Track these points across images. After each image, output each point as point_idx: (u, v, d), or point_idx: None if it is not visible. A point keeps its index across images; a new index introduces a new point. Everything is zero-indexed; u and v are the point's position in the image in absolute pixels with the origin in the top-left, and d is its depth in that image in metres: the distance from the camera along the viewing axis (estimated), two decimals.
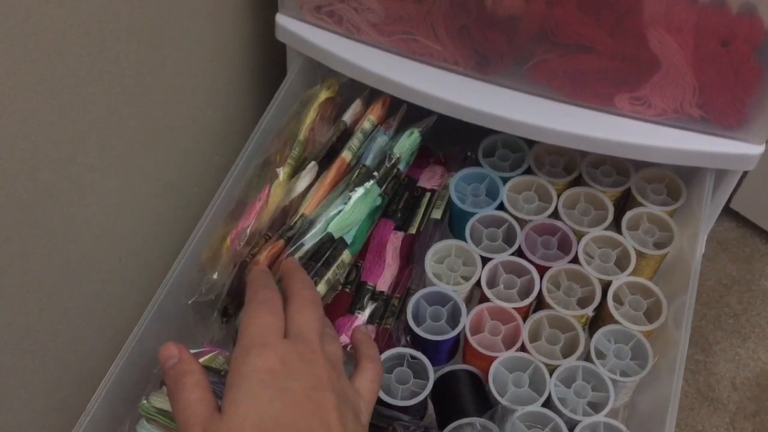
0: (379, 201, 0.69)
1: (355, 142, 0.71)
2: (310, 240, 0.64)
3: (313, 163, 0.69)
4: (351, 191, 0.67)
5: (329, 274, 0.64)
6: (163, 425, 0.57)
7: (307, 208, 0.67)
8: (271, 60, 0.84)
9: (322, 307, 0.54)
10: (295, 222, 0.65)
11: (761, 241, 1.26)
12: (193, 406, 0.46)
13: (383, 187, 0.69)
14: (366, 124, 0.72)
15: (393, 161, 0.70)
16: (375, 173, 0.68)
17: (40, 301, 0.61)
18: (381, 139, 0.71)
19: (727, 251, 1.25)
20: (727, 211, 1.28)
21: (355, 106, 0.74)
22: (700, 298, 1.19)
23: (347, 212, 0.66)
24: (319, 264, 0.64)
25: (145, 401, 0.58)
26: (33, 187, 0.55)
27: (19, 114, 0.51)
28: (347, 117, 0.74)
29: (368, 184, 0.68)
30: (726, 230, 1.28)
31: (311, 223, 0.65)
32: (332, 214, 0.66)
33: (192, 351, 0.63)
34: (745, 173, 1.09)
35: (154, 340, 0.62)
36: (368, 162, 0.70)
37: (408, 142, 0.72)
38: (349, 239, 0.66)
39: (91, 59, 0.56)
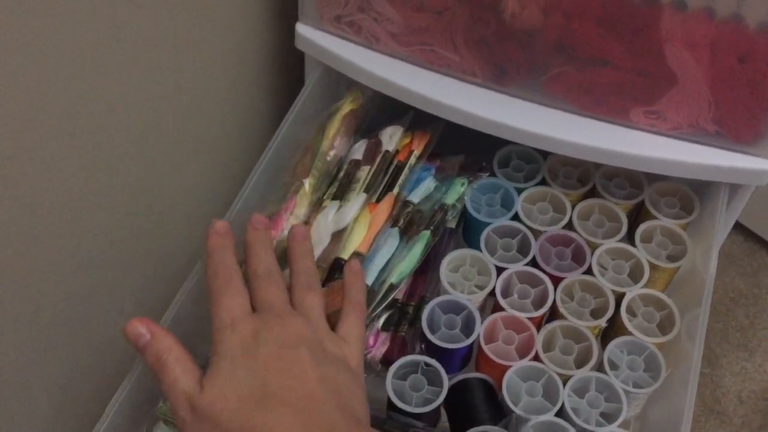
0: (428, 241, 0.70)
1: (403, 178, 0.72)
2: (369, 278, 0.66)
3: (363, 194, 0.70)
4: (408, 239, 0.69)
5: (386, 316, 0.68)
6: None
7: (361, 245, 0.68)
8: (290, 69, 0.85)
9: (282, 278, 0.56)
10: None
11: None
12: (180, 381, 0.48)
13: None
14: (412, 160, 0.73)
15: (445, 211, 0.72)
16: (431, 225, 0.70)
17: (58, 302, 0.61)
18: (429, 182, 0.73)
19: (734, 265, 1.26)
20: (735, 225, 1.29)
21: (395, 131, 0.75)
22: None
23: (408, 263, 0.68)
24: (380, 308, 0.66)
25: (162, 404, 0.58)
26: (58, 196, 0.55)
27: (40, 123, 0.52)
28: (387, 142, 0.75)
29: (426, 234, 0.69)
30: (734, 243, 1.28)
31: (369, 261, 0.67)
32: (386, 254, 0.68)
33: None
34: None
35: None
36: (416, 201, 0.71)
37: (457, 192, 0.73)
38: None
39: (110, 64, 0.57)
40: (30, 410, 0.63)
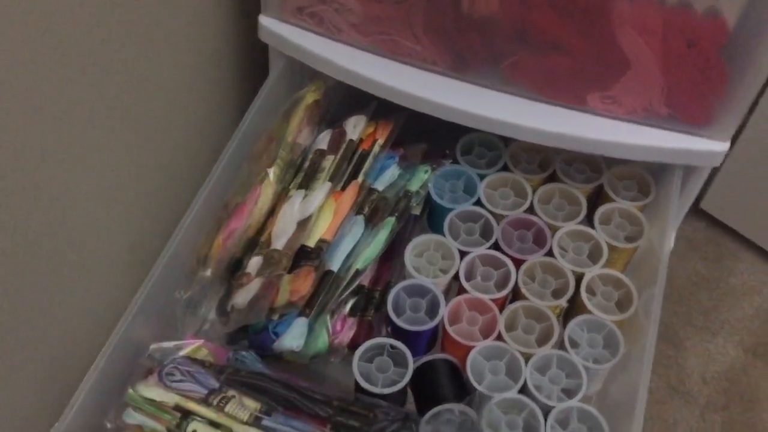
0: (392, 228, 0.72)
1: (367, 166, 0.73)
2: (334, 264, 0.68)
3: (328, 183, 0.71)
4: (373, 226, 0.70)
5: (352, 302, 0.69)
6: (150, 413, 0.58)
7: (326, 233, 0.69)
8: (254, 60, 0.86)
9: None
10: (318, 245, 0.68)
11: (730, 240, 1.29)
12: None
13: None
14: (376, 148, 0.75)
15: (410, 198, 0.73)
16: (395, 212, 0.72)
17: (23, 290, 0.61)
18: (393, 170, 0.75)
19: (697, 250, 1.29)
20: (698, 212, 1.32)
21: (358, 120, 0.76)
22: (671, 295, 1.22)
23: (373, 249, 0.69)
24: (346, 293, 0.68)
25: (131, 390, 0.59)
26: (27, 182, 0.56)
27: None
28: (351, 132, 0.76)
29: (391, 221, 0.71)
30: (696, 230, 1.31)
31: (335, 248, 0.68)
32: (351, 241, 0.69)
33: (175, 343, 0.65)
34: (714, 172, 1.12)
35: (139, 331, 0.63)
36: (380, 188, 0.73)
37: (421, 179, 0.74)
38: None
39: (74, 57, 0.57)
40: (3, 398, 0.63)
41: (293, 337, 0.65)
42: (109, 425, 0.59)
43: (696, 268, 1.26)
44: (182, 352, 0.64)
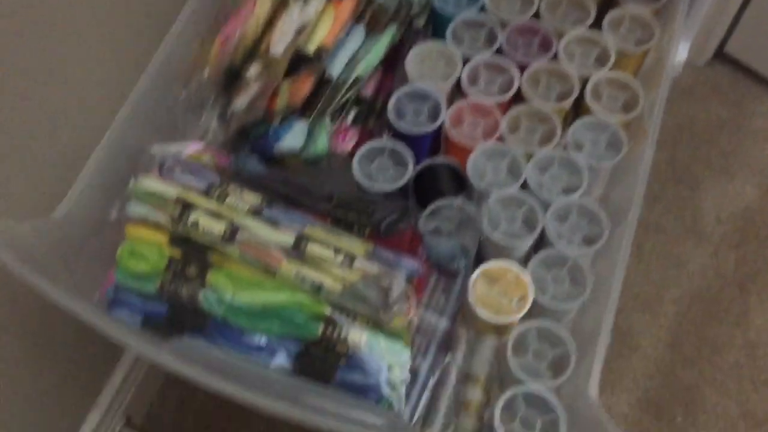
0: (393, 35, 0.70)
1: None
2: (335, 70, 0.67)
3: None
4: (375, 35, 0.68)
5: (354, 112, 0.68)
6: (152, 205, 0.59)
7: (326, 39, 0.67)
8: None
9: None
10: (317, 52, 0.66)
11: (754, 83, 1.26)
12: None
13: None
14: None
15: (410, 5, 0.71)
16: (396, 20, 0.69)
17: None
18: None
19: (719, 94, 1.26)
20: (721, 57, 1.28)
21: None
22: (691, 140, 1.21)
23: (374, 56, 0.67)
24: (346, 98, 0.67)
25: (133, 183, 0.60)
26: None
27: None
28: None
29: (392, 29, 0.69)
30: (719, 74, 1.28)
31: (334, 55, 0.67)
32: (351, 48, 0.68)
33: (177, 145, 0.65)
34: (738, 14, 1.08)
35: (140, 132, 0.64)
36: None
37: None
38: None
39: None
40: None
41: (293, 138, 0.65)
42: (113, 217, 0.60)
43: (718, 112, 1.23)
44: (184, 155, 0.65)
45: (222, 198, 0.59)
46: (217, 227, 0.58)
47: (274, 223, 0.58)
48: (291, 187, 0.62)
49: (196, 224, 0.58)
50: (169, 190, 0.59)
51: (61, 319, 0.70)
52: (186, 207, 0.59)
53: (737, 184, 1.17)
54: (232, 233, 0.57)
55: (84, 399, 0.90)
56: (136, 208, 0.60)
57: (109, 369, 0.93)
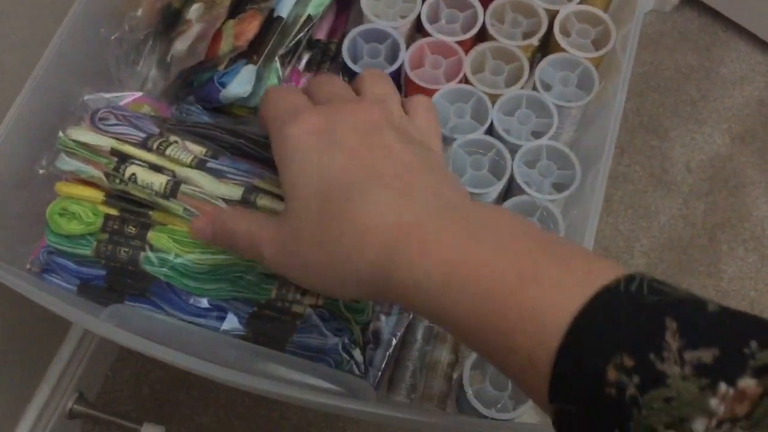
0: None
1: None
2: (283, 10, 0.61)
3: None
4: None
5: (307, 57, 0.64)
6: (84, 158, 0.54)
7: None
8: None
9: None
10: None
11: (722, 29, 1.23)
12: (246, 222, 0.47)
13: None
14: None
15: None
16: None
17: None
18: None
19: (687, 41, 1.22)
20: (690, 1, 1.24)
21: None
22: (657, 87, 1.17)
23: None
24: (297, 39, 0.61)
25: (62, 135, 0.54)
26: None
27: None
28: None
29: None
30: (687, 20, 1.24)
31: None
32: None
33: (112, 94, 0.60)
34: None
35: (68, 79, 0.58)
36: None
37: None
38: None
39: None
40: None
41: (240, 84, 0.60)
42: (41, 171, 0.54)
43: (686, 60, 1.20)
44: (120, 104, 0.59)
45: (162, 149, 0.54)
46: (158, 181, 0.52)
47: (220, 175, 0.53)
48: (239, 137, 0.57)
49: (134, 178, 0.53)
50: (102, 141, 0.54)
51: None
52: (122, 159, 0.54)
53: (706, 132, 1.14)
54: (174, 187, 0.52)
55: (31, 375, 0.85)
56: (65, 163, 0.54)
57: (58, 341, 0.88)
